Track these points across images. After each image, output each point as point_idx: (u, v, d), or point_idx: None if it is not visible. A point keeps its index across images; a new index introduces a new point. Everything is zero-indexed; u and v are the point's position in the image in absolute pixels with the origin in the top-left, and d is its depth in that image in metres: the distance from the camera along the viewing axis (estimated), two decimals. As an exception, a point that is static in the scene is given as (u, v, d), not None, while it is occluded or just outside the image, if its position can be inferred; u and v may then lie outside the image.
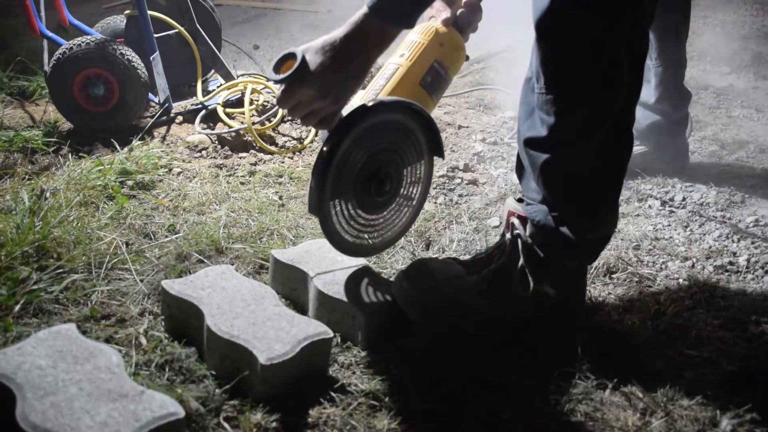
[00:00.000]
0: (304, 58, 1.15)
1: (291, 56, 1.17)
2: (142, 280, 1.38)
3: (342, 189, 1.25)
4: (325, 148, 1.20)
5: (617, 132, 1.24)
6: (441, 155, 1.37)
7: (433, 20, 1.40)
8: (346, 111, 1.22)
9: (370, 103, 1.23)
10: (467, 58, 1.45)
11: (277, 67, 1.18)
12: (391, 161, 1.31)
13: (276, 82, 1.17)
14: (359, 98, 1.29)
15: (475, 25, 1.44)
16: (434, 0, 1.32)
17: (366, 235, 1.33)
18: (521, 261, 1.27)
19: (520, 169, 1.34)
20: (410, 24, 1.17)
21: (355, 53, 1.15)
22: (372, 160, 1.27)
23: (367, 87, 1.33)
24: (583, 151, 1.23)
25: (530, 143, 1.26)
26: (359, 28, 1.14)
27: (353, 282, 1.31)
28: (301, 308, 1.35)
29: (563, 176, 1.26)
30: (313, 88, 1.15)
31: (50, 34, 2.30)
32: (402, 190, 1.36)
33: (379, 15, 1.14)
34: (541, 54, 1.18)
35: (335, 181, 1.23)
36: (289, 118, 2.30)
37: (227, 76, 2.45)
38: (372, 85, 1.33)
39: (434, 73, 1.36)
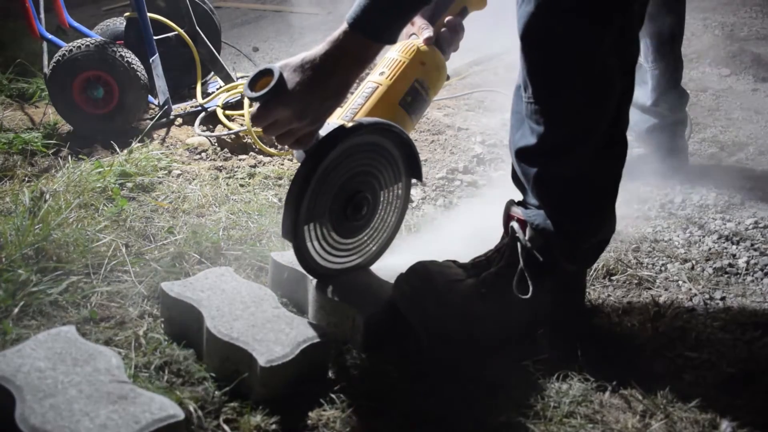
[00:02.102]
0: (281, 76, 1.10)
1: (268, 73, 1.12)
2: (141, 282, 1.38)
3: (317, 212, 1.23)
4: (301, 171, 1.17)
5: (610, 138, 1.22)
6: (419, 178, 1.35)
7: (414, 38, 1.36)
8: (323, 130, 1.19)
9: (350, 124, 1.20)
10: (447, 77, 1.42)
11: (253, 84, 1.13)
12: (368, 184, 1.29)
13: (251, 99, 1.12)
14: (337, 117, 1.26)
15: (457, 45, 1.41)
16: (415, 15, 1.29)
17: (339, 259, 1.32)
18: (520, 264, 1.26)
19: (516, 175, 1.33)
20: (392, 39, 1.13)
21: (334, 72, 1.12)
22: (349, 183, 1.25)
23: (345, 105, 1.29)
24: (576, 160, 1.22)
25: (521, 153, 1.25)
26: (339, 46, 1.11)
27: (352, 284, 1.31)
28: (300, 310, 1.35)
29: (557, 186, 1.25)
30: (290, 107, 1.11)
31: (50, 36, 2.30)
32: (378, 213, 1.34)
33: (359, 31, 1.10)
34: (528, 63, 1.16)
35: (311, 204, 1.20)
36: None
37: (227, 78, 2.45)
38: (350, 104, 1.29)
39: (414, 93, 1.32)
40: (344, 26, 1.11)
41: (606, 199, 1.28)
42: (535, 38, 1.14)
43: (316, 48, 1.13)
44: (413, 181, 1.38)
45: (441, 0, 1.41)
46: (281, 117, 1.12)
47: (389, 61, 1.34)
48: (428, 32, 1.35)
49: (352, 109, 1.28)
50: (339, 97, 1.15)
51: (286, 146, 1.18)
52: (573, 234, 1.26)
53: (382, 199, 1.34)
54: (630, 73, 1.21)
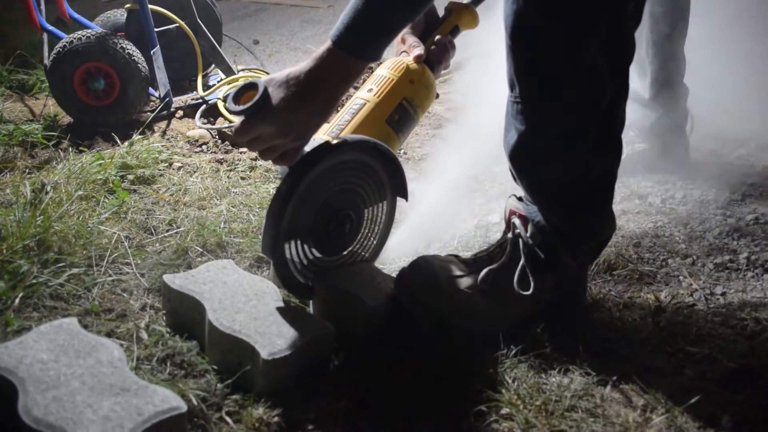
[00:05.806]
0: (266, 91, 1.09)
1: (252, 87, 1.10)
2: (143, 275, 1.38)
3: (299, 229, 1.21)
4: (282, 187, 1.16)
5: (602, 139, 1.20)
6: (405, 197, 1.33)
7: (404, 55, 1.35)
8: (307, 146, 1.17)
9: (335, 141, 1.19)
10: (437, 96, 1.41)
11: (237, 97, 1.12)
12: (351, 202, 1.28)
13: (234, 113, 1.10)
14: (323, 133, 1.24)
15: (448, 63, 1.39)
16: (399, 32, 1.25)
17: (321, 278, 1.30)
18: (522, 260, 1.26)
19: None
20: (376, 57, 1.12)
21: (319, 89, 1.10)
22: (332, 201, 1.24)
23: (332, 121, 1.28)
24: (566, 162, 1.21)
25: (513, 155, 1.24)
26: (324, 63, 1.09)
27: (355, 278, 1.31)
28: (302, 303, 1.35)
29: (549, 189, 1.24)
30: (273, 124, 1.09)
31: (50, 27, 2.30)
32: (361, 232, 1.33)
33: (343, 48, 1.09)
34: (514, 62, 1.14)
35: (292, 220, 1.19)
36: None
37: (228, 71, 2.45)
38: (337, 120, 1.28)
39: (402, 111, 1.31)
40: (328, 43, 1.10)
41: (601, 201, 1.27)
42: (522, 37, 1.11)
43: (301, 64, 1.11)
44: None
45: (432, 18, 1.40)
46: (264, 133, 1.10)
47: (378, 78, 1.32)
48: (419, 50, 1.33)
49: (338, 125, 1.27)
50: (324, 115, 1.13)
51: (270, 161, 1.16)
52: (571, 235, 1.26)
53: (365, 217, 1.32)
54: (623, 74, 1.18)
